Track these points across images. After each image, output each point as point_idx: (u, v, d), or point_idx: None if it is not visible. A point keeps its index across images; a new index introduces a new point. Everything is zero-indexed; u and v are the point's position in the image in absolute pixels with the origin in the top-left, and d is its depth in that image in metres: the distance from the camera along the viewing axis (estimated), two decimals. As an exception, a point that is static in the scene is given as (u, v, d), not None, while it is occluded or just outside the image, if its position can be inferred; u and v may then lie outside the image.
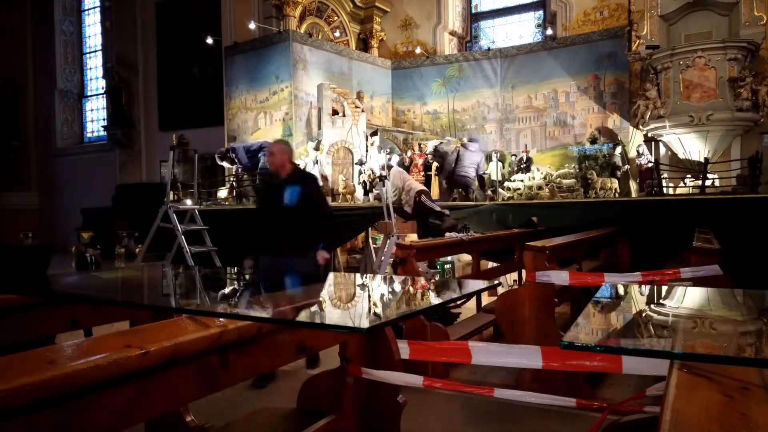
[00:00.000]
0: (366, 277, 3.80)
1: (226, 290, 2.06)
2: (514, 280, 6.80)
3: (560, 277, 3.55)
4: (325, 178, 8.51)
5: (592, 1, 9.54)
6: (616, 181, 8.04)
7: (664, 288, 2.02)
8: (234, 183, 9.23)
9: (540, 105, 9.57)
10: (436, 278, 5.81)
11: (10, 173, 14.99)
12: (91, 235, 7.40)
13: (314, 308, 1.68)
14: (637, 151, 8.25)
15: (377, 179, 7.88)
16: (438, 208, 6.95)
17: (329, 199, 7.48)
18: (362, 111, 9.52)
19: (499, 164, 9.16)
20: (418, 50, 10.98)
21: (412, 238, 9.17)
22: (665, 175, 7.57)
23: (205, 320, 1.55)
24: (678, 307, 1.45)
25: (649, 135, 8.20)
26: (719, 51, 7.36)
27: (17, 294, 2.04)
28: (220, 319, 1.55)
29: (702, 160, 7.14)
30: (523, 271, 4.84)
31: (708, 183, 6.93)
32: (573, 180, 8.40)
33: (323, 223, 4.29)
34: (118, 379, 1.22)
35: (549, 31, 9.93)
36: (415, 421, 2.95)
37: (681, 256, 4.77)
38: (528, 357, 1.90)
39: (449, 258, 7.28)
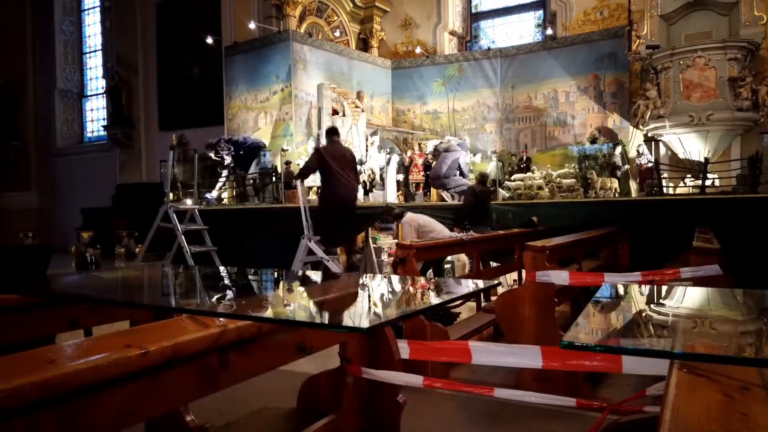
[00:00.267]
0: (366, 277, 3.81)
1: (226, 290, 2.07)
2: (514, 280, 6.80)
3: (560, 277, 3.55)
4: (325, 177, 8.49)
5: (592, 0, 9.54)
6: (616, 181, 8.05)
7: (664, 288, 2.02)
8: (234, 183, 9.22)
9: (540, 105, 9.58)
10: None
11: (10, 173, 14.99)
12: (91, 235, 7.41)
13: (314, 308, 1.68)
14: (637, 151, 8.25)
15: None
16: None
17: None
18: (362, 111, 9.52)
19: (499, 164, 9.16)
20: (418, 50, 10.98)
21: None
22: (665, 175, 7.58)
23: (205, 320, 1.55)
24: (678, 307, 1.45)
25: (649, 135, 8.20)
26: (719, 51, 7.36)
27: (17, 294, 2.04)
28: (220, 319, 1.55)
29: (702, 160, 7.15)
30: (523, 271, 4.84)
31: (708, 183, 6.93)
32: (573, 180, 8.40)
33: None
34: (118, 379, 1.22)
35: (549, 31, 9.93)
36: (415, 421, 2.95)
37: (681, 256, 4.77)
38: (528, 357, 1.90)
39: (449, 258, 7.28)
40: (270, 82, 9.36)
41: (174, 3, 13.20)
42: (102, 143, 14.86)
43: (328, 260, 6.87)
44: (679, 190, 7.64)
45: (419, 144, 9.81)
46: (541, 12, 10.78)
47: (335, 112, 9.29)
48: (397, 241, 8.56)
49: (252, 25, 9.95)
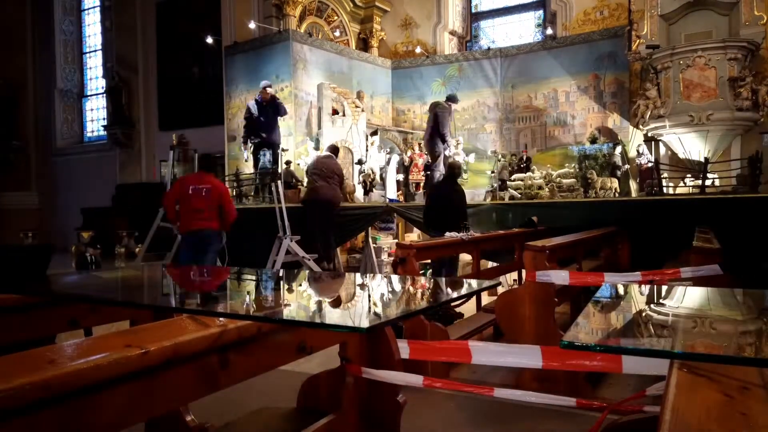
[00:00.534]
0: (366, 277, 3.81)
1: (226, 290, 2.07)
2: (514, 280, 6.80)
3: (560, 277, 3.55)
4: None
5: (592, 0, 9.54)
6: (616, 181, 8.04)
7: (664, 288, 2.02)
8: (235, 183, 9.21)
9: (540, 105, 9.57)
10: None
11: (10, 173, 14.99)
12: (91, 235, 7.42)
13: (314, 308, 1.68)
14: (637, 151, 8.25)
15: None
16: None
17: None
18: (362, 111, 9.52)
19: (502, 162, 9.13)
20: (418, 50, 10.98)
21: (412, 237, 9.18)
22: (665, 174, 7.57)
23: (205, 320, 1.55)
24: (678, 307, 1.45)
25: (649, 135, 8.19)
26: (719, 51, 7.35)
27: (17, 294, 2.04)
28: (220, 319, 1.55)
29: (702, 159, 7.14)
30: (523, 271, 4.84)
31: (708, 183, 6.93)
32: (573, 180, 8.40)
33: None
34: (118, 379, 1.22)
35: (549, 31, 9.92)
36: (415, 421, 2.96)
37: (681, 256, 4.77)
38: (528, 357, 1.90)
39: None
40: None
41: (174, 3, 13.20)
42: (102, 143, 14.86)
43: (309, 259, 6.90)
44: (679, 190, 7.64)
45: (419, 144, 9.81)
46: (541, 12, 10.77)
47: (335, 112, 9.29)
48: (397, 241, 8.57)
49: (252, 25, 9.95)
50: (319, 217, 7.09)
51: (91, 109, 16.24)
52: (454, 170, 6.52)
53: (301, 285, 2.16)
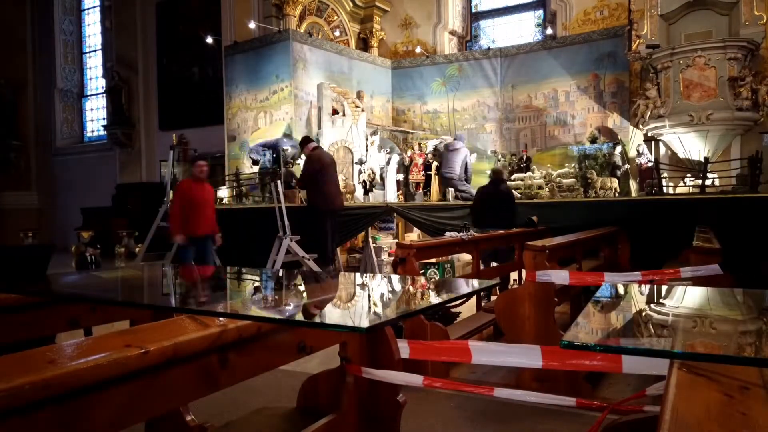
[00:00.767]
0: (366, 277, 3.81)
1: (226, 289, 2.07)
2: (514, 280, 6.79)
3: (560, 277, 3.55)
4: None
5: (592, 0, 9.54)
6: (616, 181, 8.04)
7: (664, 287, 2.02)
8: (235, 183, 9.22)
9: (540, 104, 9.57)
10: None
11: (10, 173, 15.00)
12: (91, 235, 7.42)
13: (314, 307, 1.68)
14: (637, 151, 8.25)
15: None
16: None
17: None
18: (362, 110, 9.52)
19: (501, 162, 9.12)
20: (418, 50, 10.98)
21: (412, 237, 9.18)
22: (665, 174, 7.57)
23: (205, 320, 1.55)
24: (678, 307, 1.45)
25: (649, 134, 8.19)
26: (719, 50, 7.35)
27: (17, 294, 2.04)
28: (220, 319, 1.55)
29: (702, 159, 7.14)
30: (523, 271, 4.84)
31: (708, 182, 6.92)
32: (573, 179, 8.40)
33: None
34: (118, 379, 1.22)
35: (549, 31, 9.93)
36: (415, 420, 2.96)
37: (681, 256, 4.77)
38: (528, 356, 1.90)
39: (449, 257, 7.28)
40: (270, 82, 9.35)
41: (174, 3, 13.20)
42: (102, 143, 14.86)
43: (309, 259, 6.91)
44: (679, 190, 7.64)
45: (419, 144, 9.81)
46: (541, 11, 10.77)
47: (335, 112, 9.29)
48: (397, 241, 8.57)
49: (252, 25, 9.95)
50: (330, 221, 7.12)
51: (91, 109, 16.24)
52: (498, 175, 7.21)
53: (301, 285, 2.16)
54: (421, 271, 4.41)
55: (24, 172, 15.34)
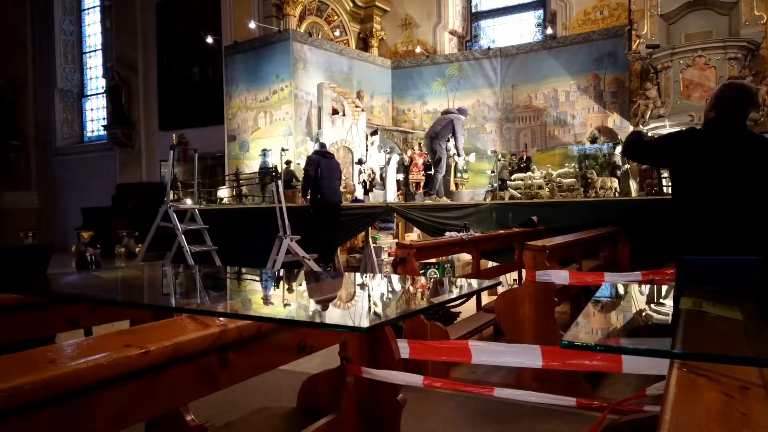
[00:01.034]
0: (366, 277, 3.80)
1: (226, 289, 2.06)
2: (514, 280, 6.79)
3: (560, 277, 3.55)
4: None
5: (592, 0, 9.54)
6: (616, 181, 8.04)
7: (664, 287, 2.02)
8: (234, 183, 9.22)
9: (540, 104, 9.57)
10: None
11: (10, 173, 15.00)
12: (91, 235, 7.42)
13: (314, 307, 1.68)
14: (638, 151, 8.23)
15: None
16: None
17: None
18: (362, 110, 9.52)
19: (502, 161, 9.11)
20: (418, 49, 10.98)
21: (412, 237, 9.17)
22: (665, 174, 7.56)
23: (205, 320, 1.55)
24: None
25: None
26: (719, 50, 7.35)
27: (17, 294, 2.04)
28: (220, 319, 1.55)
29: (702, 159, 7.13)
30: (523, 271, 4.84)
31: (708, 182, 6.91)
32: (573, 179, 8.40)
33: None
34: (119, 379, 1.22)
35: (549, 31, 9.93)
36: (415, 420, 2.96)
37: (681, 256, 4.75)
38: (528, 356, 1.90)
39: (449, 257, 7.28)
40: (270, 82, 9.35)
41: (174, 3, 13.20)
42: (102, 143, 14.86)
43: (309, 259, 6.91)
44: (679, 190, 7.62)
45: (419, 143, 9.81)
46: (541, 11, 10.77)
47: (335, 112, 9.29)
48: (397, 241, 8.57)
49: (252, 25, 9.95)
50: (330, 221, 7.18)
51: (91, 109, 16.24)
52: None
53: (301, 285, 2.16)
54: (421, 271, 4.41)
55: (24, 172, 15.34)
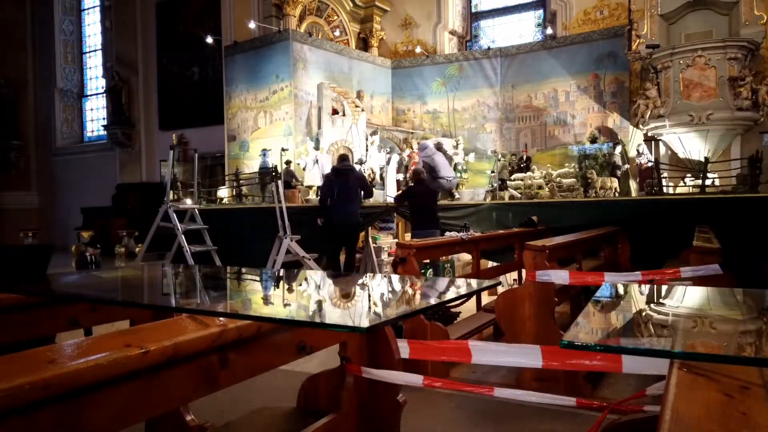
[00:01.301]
0: (366, 277, 3.80)
1: (226, 289, 2.06)
2: (514, 280, 6.80)
3: (560, 277, 3.55)
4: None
5: (592, 0, 9.54)
6: (616, 181, 8.04)
7: (664, 287, 2.02)
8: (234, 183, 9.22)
9: (540, 104, 9.57)
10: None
11: (10, 173, 15.00)
12: (91, 235, 7.43)
13: (314, 307, 1.68)
14: (637, 151, 8.24)
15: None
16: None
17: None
18: (362, 110, 9.52)
19: (501, 161, 9.11)
20: (418, 49, 10.98)
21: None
22: (665, 174, 7.57)
23: (205, 319, 1.55)
24: (678, 307, 1.45)
25: (649, 134, 8.19)
26: (719, 50, 7.35)
27: (17, 294, 2.04)
28: (220, 319, 1.55)
29: (702, 159, 7.14)
30: (523, 271, 4.84)
31: (708, 182, 6.92)
32: (573, 179, 8.40)
33: None
34: (119, 378, 1.22)
35: (549, 31, 9.92)
36: (415, 420, 2.96)
37: (681, 256, 4.77)
38: (528, 356, 1.90)
39: (449, 257, 7.28)
40: (270, 82, 9.35)
41: (174, 3, 13.19)
42: (102, 143, 14.86)
43: (309, 259, 6.90)
44: (679, 190, 7.64)
45: (419, 143, 9.81)
46: (541, 11, 10.77)
47: (335, 112, 9.29)
48: (397, 240, 8.57)
49: (252, 25, 9.94)
50: (341, 242, 7.04)
51: (91, 109, 16.23)
52: (419, 174, 7.24)
53: (301, 285, 2.16)
54: (421, 271, 4.41)
55: (24, 172, 15.34)
